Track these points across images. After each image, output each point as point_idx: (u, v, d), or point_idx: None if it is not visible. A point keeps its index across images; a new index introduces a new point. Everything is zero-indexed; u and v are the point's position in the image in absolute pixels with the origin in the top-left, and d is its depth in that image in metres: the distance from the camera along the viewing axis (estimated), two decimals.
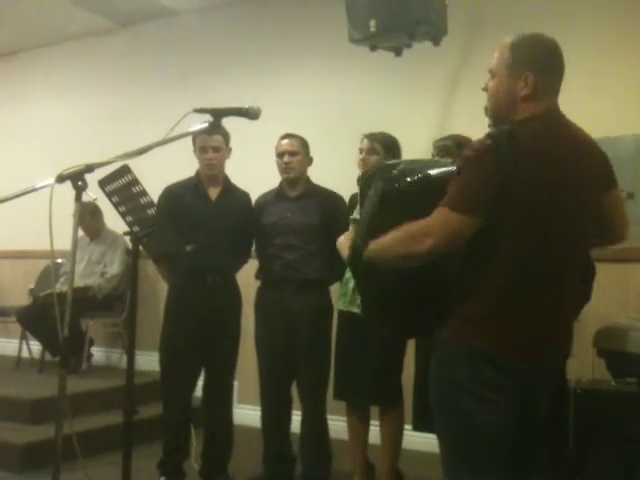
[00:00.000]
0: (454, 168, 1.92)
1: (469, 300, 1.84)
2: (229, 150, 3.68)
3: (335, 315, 3.50)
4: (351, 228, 2.24)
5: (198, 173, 3.68)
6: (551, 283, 1.84)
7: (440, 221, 1.79)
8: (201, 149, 3.59)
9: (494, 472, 1.83)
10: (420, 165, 2.11)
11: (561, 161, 1.81)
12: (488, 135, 1.82)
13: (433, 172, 1.98)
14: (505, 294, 1.81)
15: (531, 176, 1.77)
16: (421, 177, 1.95)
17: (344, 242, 2.30)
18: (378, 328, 2.93)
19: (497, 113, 1.97)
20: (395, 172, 2.00)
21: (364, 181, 2.21)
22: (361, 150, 3.41)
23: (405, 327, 2.29)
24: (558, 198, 1.81)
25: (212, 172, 3.62)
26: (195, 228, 3.51)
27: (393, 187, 1.95)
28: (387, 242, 1.87)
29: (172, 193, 3.65)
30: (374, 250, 1.91)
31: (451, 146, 3.12)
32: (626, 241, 2.09)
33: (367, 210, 2.07)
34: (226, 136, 3.61)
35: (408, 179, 1.94)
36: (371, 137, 3.40)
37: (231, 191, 3.70)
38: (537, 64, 1.88)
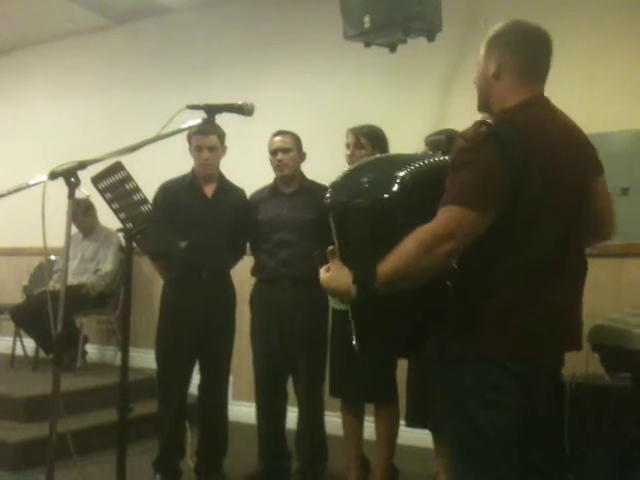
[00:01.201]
0: (423, 162, 1.85)
1: (472, 303, 1.79)
2: (224, 149, 3.67)
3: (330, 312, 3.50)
4: (332, 262, 1.86)
5: (194, 170, 3.67)
6: (554, 281, 1.80)
7: (454, 220, 1.66)
8: (197, 148, 3.58)
9: (498, 475, 1.82)
10: (384, 168, 1.95)
11: (559, 151, 1.78)
12: (481, 123, 1.74)
13: (403, 173, 1.79)
14: (509, 295, 1.76)
15: (538, 168, 1.71)
16: (401, 181, 1.77)
17: (335, 276, 1.82)
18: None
19: (481, 100, 1.94)
20: (366, 185, 1.83)
21: (334, 206, 1.87)
22: (348, 145, 3.37)
23: (403, 350, 2.20)
24: (559, 190, 1.78)
25: (207, 171, 3.62)
26: (191, 225, 3.51)
27: (382, 199, 1.76)
28: (402, 260, 1.69)
29: (168, 190, 3.64)
30: (390, 273, 1.69)
31: (443, 141, 3.09)
32: (614, 237, 2.05)
33: (358, 235, 1.83)
34: (222, 135, 3.61)
35: (394, 188, 1.76)
36: (356, 131, 3.36)
37: (226, 188, 3.70)
38: (509, 45, 1.85)
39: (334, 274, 1.85)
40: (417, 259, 1.68)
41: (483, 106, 1.95)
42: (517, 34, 1.88)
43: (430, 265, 1.69)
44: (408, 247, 1.69)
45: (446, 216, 1.68)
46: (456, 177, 1.71)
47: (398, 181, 1.77)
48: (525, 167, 1.69)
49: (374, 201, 1.78)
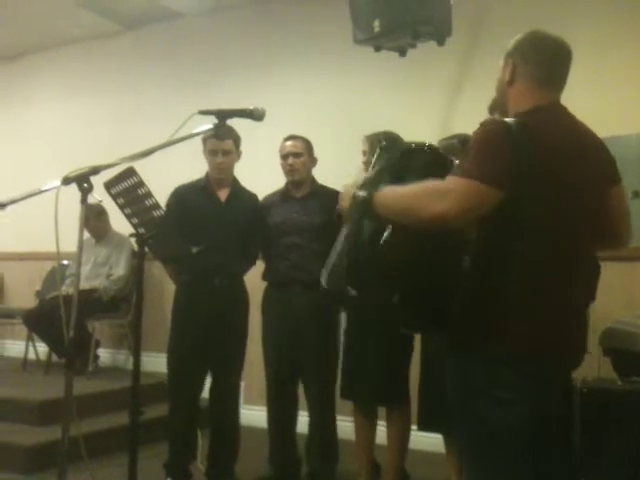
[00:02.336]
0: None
1: (480, 304, 1.80)
2: (239, 154, 3.68)
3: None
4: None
5: (207, 175, 3.68)
6: (564, 283, 1.81)
7: (460, 187, 1.70)
8: (211, 152, 3.59)
9: (508, 474, 1.81)
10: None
11: (569, 154, 1.80)
12: (494, 120, 1.81)
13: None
14: (516, 296, 1.78)
15: (546, 168, 1.74)
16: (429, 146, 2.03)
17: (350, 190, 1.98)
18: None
19: (499, 104, 2.01)
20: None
21: (382, 146, 2.19)
22: (364, 152, 3.40)
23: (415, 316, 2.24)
24: (567, 194, 1.79)
25: (221, 176, 3.63)
26: (204, 229, 3.51)
27: (418, 146, 2.02)
28: (401, 192, 1.80)
29: (182, 194, 3.65)
30: (387, 196, 1.83)
31: (456, 145, 3.12)
32: (628, 244, 2.06)
33: (383, 163, 2.05)
34: (237, 140, 3.61)
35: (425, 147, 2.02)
36: (372, 138, 3.37)
37: (240, 192, 3.70)
38: (524, 54, 1.91)
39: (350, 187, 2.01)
40: (412, 200, 1.76)
41: (499, 109, 1.98)
42: (533, 44, 1.92)
43: (418, 212, 1.74)
44: (414, 188, 1.78)
45: (456, 182, 1.72)
46: (470, 157, 1.75)
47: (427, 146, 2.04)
48: (533, 168, 1.72)
49: (411, 147, 2.11)
